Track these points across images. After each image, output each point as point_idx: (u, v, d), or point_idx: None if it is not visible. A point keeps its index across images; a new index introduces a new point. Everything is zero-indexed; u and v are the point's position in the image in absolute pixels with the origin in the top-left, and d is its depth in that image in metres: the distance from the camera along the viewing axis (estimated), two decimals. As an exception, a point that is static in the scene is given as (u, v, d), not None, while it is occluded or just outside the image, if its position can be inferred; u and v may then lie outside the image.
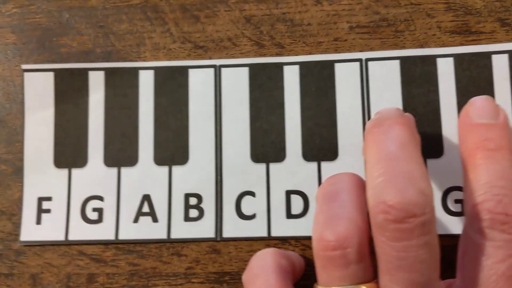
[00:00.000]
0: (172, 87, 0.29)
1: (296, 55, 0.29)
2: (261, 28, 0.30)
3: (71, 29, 0.30)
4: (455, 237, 0.26)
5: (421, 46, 0.29)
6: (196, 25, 0.30)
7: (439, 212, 0.27)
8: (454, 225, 0.27)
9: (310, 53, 0.29)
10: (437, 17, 0.29)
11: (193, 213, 0.28)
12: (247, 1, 0.30)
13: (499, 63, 0.28)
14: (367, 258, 0.21)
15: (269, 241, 0.28)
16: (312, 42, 0.29)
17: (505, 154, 0.21)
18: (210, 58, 0.29)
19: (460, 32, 0.29)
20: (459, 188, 0.27)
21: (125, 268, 0.28)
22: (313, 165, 0.28)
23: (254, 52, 0.29)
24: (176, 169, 0.29)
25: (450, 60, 0.28)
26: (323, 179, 0.28)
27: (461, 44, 0.28)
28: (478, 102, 0.23)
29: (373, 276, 0.21)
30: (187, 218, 0.28)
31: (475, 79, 0.28)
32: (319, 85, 0.29)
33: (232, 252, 0.28)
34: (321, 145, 0.28)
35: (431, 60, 0.28)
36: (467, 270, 0.21)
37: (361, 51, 0.29)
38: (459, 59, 0.28)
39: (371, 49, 0.29)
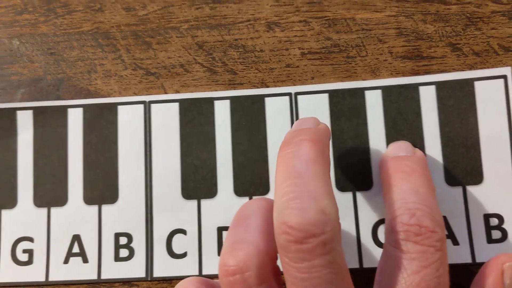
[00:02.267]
0: (101, 124, 0.30)
1: (249, 81, 0.30)
2: (214, 55, 0.31)
3: (22, 57, 0.31)
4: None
5: (373, 72, 0.30)
6: (148, 52, 0.31)
7: (369, 245, 0.28)
8: (384, 259, 0.28)
9: (262, 80, 0.30)
10: (388, 43, 0.30)
11: (124, 252, 0.29)
12: (199, 28, 0.31)
13: (426, 95, 0.29)
14: (270, 280, 0.22)
15: (200, 279, 0.29)
16: (265, 68, 0.30)
17: (418, 176, 0.24)
18: (162, 85, 0.30)
19: (412, 57, 0.30)
20: (388, 221, 0.28)
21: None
22: (245, 200, 0.29)
23: (206, 79, 0.30)
24: (105, 208, 0.29)
25: (378, 92, 0.29)
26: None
27: (412, 69, 0.29)
28: (396, 143, 0.27)
29: None
30: (117, 258, 0.29)
31: (403, 110, 0.29)
32: (249, 119, 0.30)
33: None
34: (252, 179, 0.29)
35: (359, 93, 0.29)
36: (383, 284, 0.22)
37: (312, 77, 0.30)
38: (387, 91, 0.29)
39: (323, 76, 0.30)
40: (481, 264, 0.27)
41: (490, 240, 0.28)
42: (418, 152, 0.26)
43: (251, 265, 0.21)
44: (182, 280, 0.25)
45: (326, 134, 0.24)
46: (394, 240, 0.22)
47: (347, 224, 0.28)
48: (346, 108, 0.29)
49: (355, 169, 0.29)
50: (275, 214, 0.21)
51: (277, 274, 0.23)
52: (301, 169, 0.22)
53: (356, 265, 0.28)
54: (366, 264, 0.28)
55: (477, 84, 0.29)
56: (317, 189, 0.21)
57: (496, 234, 0.28)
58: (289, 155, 0.22)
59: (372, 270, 0.23)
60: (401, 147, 0.26)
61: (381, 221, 0.28)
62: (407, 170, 0.24)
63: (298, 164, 0.22)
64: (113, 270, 0.29)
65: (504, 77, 0.28)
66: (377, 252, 0.28)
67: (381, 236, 0.28)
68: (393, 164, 0.25)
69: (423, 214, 0.22)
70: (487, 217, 0.28)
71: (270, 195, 0.29)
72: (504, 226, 0.28)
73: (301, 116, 0.29)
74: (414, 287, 0.21)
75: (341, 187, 0.29)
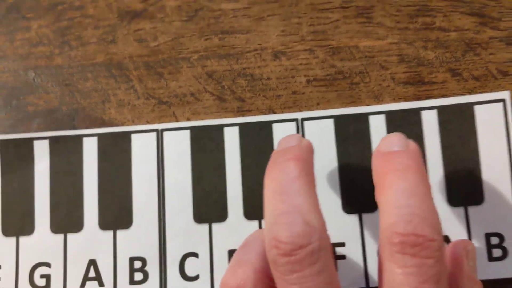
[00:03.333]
0: (115, 152, 0.32)
1: (257, 108, 0.32)
2: (223, 83, 0.32)
3: (37, 88, 0.33)
4: None
5: (376, 98, 0.31)
6: (159, 82, 0.33)
7: (375, 265, 0.29)
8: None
9: (270, 106, 0.32)
10: (390, 69, 0.32)
11: (138, 276, 0.31)
12: (208, 58, 0.33)
13: (428, 119, 0.30)
14: None
15: (213, 301, 0.30)
16: (272, 95, 0.32)
17: (412, 173, 0.23)
18: (174, 113, 0.32)
19: (413, 82, 0.31)
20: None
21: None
22: (255, 223, 0.31)
23: (216, 106, 0.32)
24: (120, 233, 0.31)
25: (382, 117, 0.31)
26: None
27: (414, 94, 0.31)
28: (388, 136, 0.25)
29: None
30: (132, 282, 0.30)
31: (406, 134, 0.30)
32: (258, 145, 0.31)
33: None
34: (261, 203, 0.30)
35: (363, 118, 0.31)
36: None
37: (318, 103, 0.32)
38: (390, 116, 0.31)
39: (328, 102, 0.32)
40: (483, 281, 0.29)
41: (491, 258, 0.29)
42: (411, 144, 0.25)
43: (247, 282, 0.23)
44: None
45: (309, 151, 0.25)
46: (389, 253, 0.21)
47: (353, 245, 0.30)
48: (351, 132, 0.31)
49: (361, 192, 0.30)
50: (265, 231, 0.23)
51: None
52: (286, 186, 0.23)
53: (363, 284, 0.30)
54: (372, 284, 0.30)
55: (476, 108, 0.30)
56: (302, 203, 0.23)
57: (497, 253, 0.29)
58: (275, 174, 0.24)
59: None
60: (394, 141, 0.25)
61: (387, 242, 0.30)
62: (401, 168, 0.23)
63: (284, 182, 0.24)
64: (128, 293, 0.30)
65: (503, 101, 0.30)
66: (384, 272, 0.29)
67: (387, 256, 0.30)
68: (386, 162, 0.24)
69: (420, 220, 0.21)
70: (488, 236, 0.29)
71: (279, 218, 0.30)
72: (504, 244, 0.29)
73: (307, 141, 0.31)
74: None
75: (348, 210, 0.30)
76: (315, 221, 0.22)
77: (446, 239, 0.30)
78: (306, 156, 0.25)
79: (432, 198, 0.22)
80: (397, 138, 0.25)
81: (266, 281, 0.24)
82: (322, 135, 0.31)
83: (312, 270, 0.21)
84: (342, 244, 0.30)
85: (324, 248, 0.22)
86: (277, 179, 0.24)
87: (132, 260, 0.31)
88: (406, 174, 0.23)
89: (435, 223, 0.21)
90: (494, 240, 0.29)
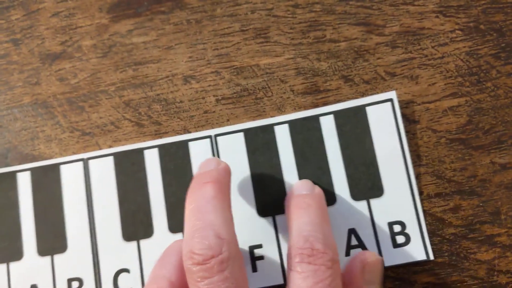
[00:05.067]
0: (47, 184, 0.35)
1: (173, 129, 0.35)
2: (140, 110, 0.36)
3: None
4: None
5: (279, 109, 0.35)
6: (82, 115, 0.36)
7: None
8: None
9: (184, 127, 0.35)
10: (289, 82, 0.35)
11: (76, 295, 0.34)
12: (125, 88, 0.36)
13: (326, 123, 0.34)
14: None
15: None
16: (186, 116, 0.35)
17: (314, 210, 0.29)
18: (97, 142, 0.35)
19: (311, 92, 0.35)
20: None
21: None
22: (179, 235, 0.34)
23: (135, 132, 0.35)
24: (57, 257, 0.34)
25: (286, 126, 0.34)
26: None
27: (312, 103, 0.35)
28: (298, 182, 0.32)
29: None
30: (71, 301, 0.33)
31: (308, 140, 0.34)
32: (177, 163, 0.34)
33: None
34: (184, 217, 0.34)
35: (269, 129, 0.34)
36: None
37: (228, 119, 0.35)
38: (293, 124, 0.34)
39: (236, 117, 0.35)
40: (389, 267, 0.32)
41: (395, 245, 0.32)
42: (317, 189, 0.31)
43: None
44: None
45: (226, 173, 0.30)
46: (292, 264, 0.26)
47: (270, 246, 0.33)
48: (260, 143, 0.34)
49: (273, 196, 0.33)
50: (183, 246, 0.27)
51: None
52: (202, 206, 0.28)
53: (281, 281, 0.33)
54: (290, 280, 0.32)
55: (368, 109, 0.34)
56: (215, 220, 0.27)
57: (400, 239, 0.32)
58: (194, 196, 0.28)
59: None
60: (303, 186, 0.31)
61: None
62: (304, 206, 0.29)
63: (200, 203, 0.28)
64: (68, 312, 0.33)
65: (391, 100, 0.33)
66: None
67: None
68: (294, 202, 0.30)
69: (315, 239, 0.27)
70: (391, 224, 0.32)
71: (202, 228, 0.34)
72: (406, 231, 0.32)
73: (222, 155, 0.34)
74: None
75: (262, 213, 0.33)
76: (226, 234, 0.26)
77: (353, 231, 0.33)
78: (222, 178, 0.30)
79: (329, 227, 0.29)
80: (306, 183, 0.31)
81: None
82: (234, 148, 0.34)
83: (221, 276, 0.25)
84: (259, 246, 0.33)
85: (233, 257, 0.26)
86: (195, 201, 0.28)
87: (70, 281, 0.34)
88: (308, 211, 0.29)
89: (329, 243, 0.27)
90: (397, 228, 0.32)
